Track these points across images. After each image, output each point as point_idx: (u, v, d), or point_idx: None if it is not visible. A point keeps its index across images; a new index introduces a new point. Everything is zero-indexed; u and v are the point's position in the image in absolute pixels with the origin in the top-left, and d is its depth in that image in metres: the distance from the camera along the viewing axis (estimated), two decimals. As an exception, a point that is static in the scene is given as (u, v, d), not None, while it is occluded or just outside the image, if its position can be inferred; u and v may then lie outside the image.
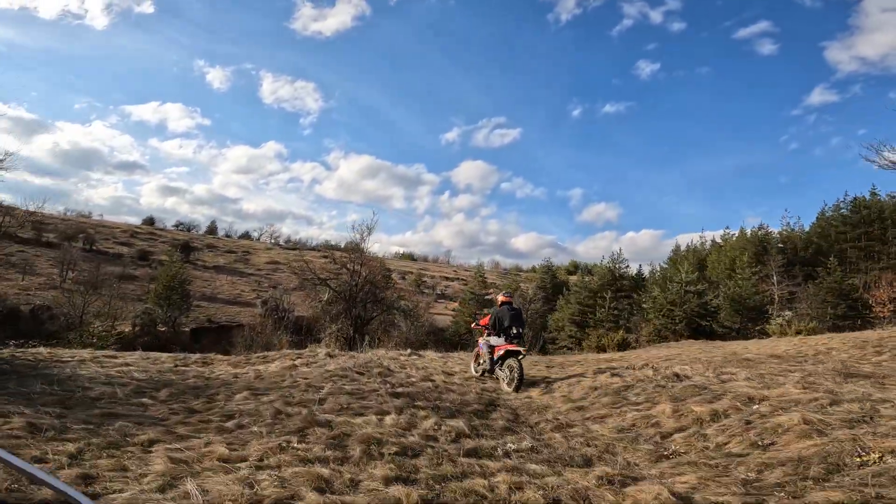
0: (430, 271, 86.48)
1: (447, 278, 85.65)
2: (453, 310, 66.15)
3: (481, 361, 9.29)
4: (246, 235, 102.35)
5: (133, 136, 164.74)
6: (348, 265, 19.78)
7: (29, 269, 57.87)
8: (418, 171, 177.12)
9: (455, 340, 50.69)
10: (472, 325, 10.25)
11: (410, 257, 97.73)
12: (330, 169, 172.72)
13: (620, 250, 52.93)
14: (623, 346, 23.39)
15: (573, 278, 73.09)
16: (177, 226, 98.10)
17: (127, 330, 43.09)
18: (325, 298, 19.78)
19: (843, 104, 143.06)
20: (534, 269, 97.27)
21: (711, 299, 25.99)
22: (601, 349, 24.67)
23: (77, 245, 69.97)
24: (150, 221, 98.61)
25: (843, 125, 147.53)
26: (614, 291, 50.78)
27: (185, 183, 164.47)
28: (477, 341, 10.00)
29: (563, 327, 48.92)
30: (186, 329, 46.03)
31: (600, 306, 33.54)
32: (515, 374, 8.06)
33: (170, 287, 45.41)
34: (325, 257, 20.75)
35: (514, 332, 8.57)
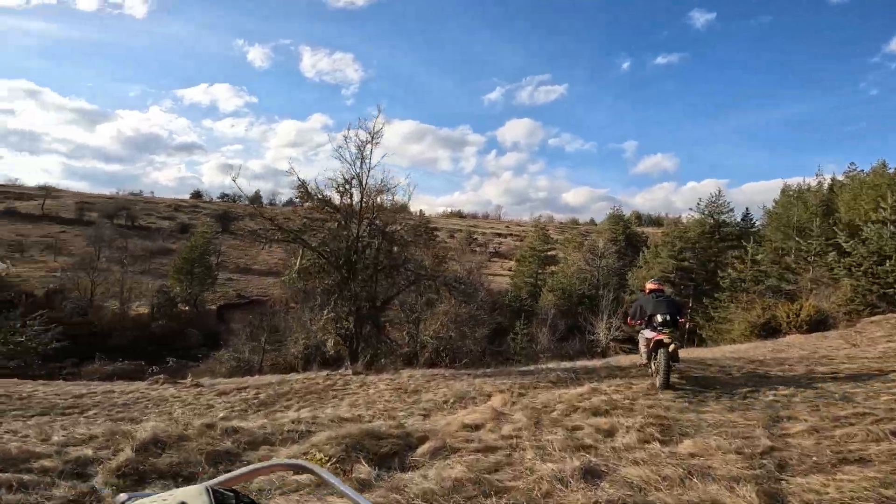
0: (480, 228, 77.16)
1: (499, 234, 76.10)
2: (510, 269, 57.01)
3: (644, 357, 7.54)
4: (290, 202, 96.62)
5: (188, 119, 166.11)
6: (336, 201, 11.06)
7: (65, 250, 53.83)
8: (463, 133, 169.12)
9: (516, 307, 41.81)
10: (628, 321, 7.69)
11: (459, 215, 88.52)
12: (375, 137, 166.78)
13: (720, 191, 41.22)
14: (815, 325, 13.42)
15: (651, 230, 61.47)
16: (221, 197, 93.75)
17: (145, 311, 37.42)
18: (296, 265, 11.33)
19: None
20: (593, 222, 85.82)
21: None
22: (767, 329, 14.78)
23: (119, 222, 66.25)
24: (196, 195, 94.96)
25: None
26: (717, 241, 39.67)
27: (240, 159, 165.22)
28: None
29: (650, 286, 38.60)
30: (213, 307, 39.75)
31: (739, 259, 23.07)
32: (661, 368, 6.59)
33: (190, 260, 38.94)
34: (302, 197, 11.65)
35: (660, 320, 6.98)
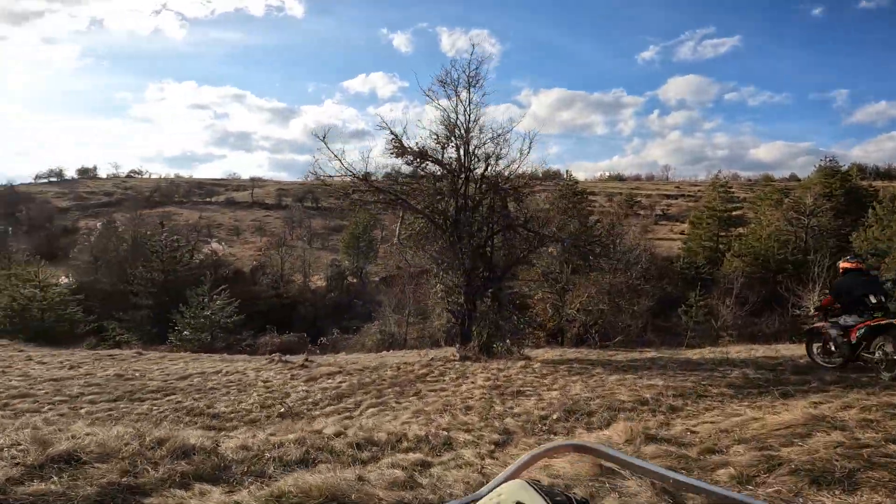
0: (644, 190, 68.65)
1: (668, 196, 66.72)
2: (682, 233, 49.24)
3: (832, 348, 6.56)
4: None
5: (355, 108, 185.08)
6: (433, 153, 9.22)
7: (268, 231, 63.84)
8: (617, 96, 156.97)
9: (690, 275, 35.64)
10: (813, 314, 7.39)
11: (619, 178, 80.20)
12: (523, 107, 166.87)
13: None
14: None
15: (881, 184, 46.57)
16: (385, 176, 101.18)
17: (322, 284, 41.86)
18: (398, 232, 10.10)
19: None
20: (795, 178, 69.02)
21: None
22: None
23: (307, 204, 76.22)
24: (365, 176, 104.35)
25: None
26: None
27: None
28: (819, 331, 6.97)
29: (890, 251, 28.99)
30: (376, 279, 42.60)
31: None
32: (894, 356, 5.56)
33: (356, 235, 42.22)
34: (397, 152, 9.93)
35: (873, 301, 5.92)
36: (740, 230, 40.52)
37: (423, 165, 9.86)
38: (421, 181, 9.98)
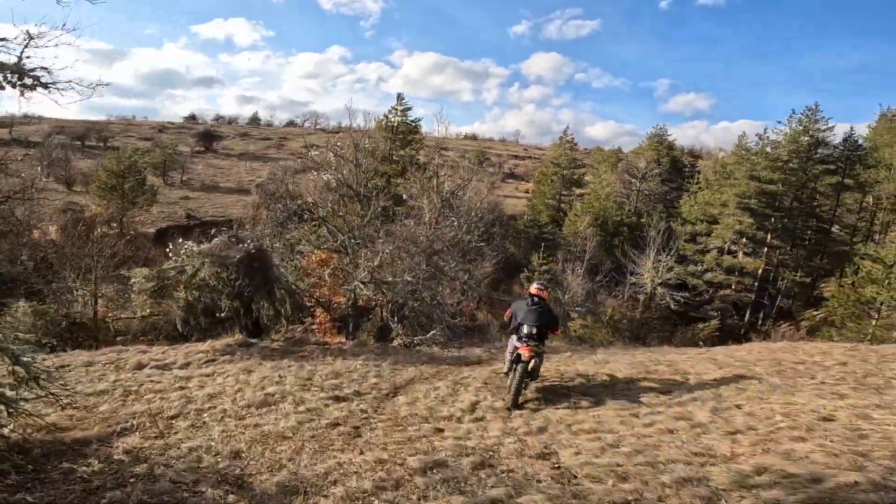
0: (495, 150, 65.16)
1: (516, 157, 64.17)
2: (527, 191, 45.94)
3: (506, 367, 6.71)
4: (290, 123, 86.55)
5: (205, 54, 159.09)
6: None
7: (14, 174, 44.73)
8: (486, 66, 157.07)
9: (533, 235, 31.50)
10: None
11: (473, 137, 76.07)
12: (395, 67, 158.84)
13: (817, 105, 28.83)
14: None
15: (704, 162, 48.40)
16: (216, 119, 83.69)
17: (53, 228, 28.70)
18: None
19: None
20: (620, 150, 71.98)
21: None
22: None
23: (90, 143, 57.36)
24: (192, 118, 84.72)
25: None
26: (812, 164, 27.86)
27: (258, 92, 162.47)
28: None
29: (718, 218, 27.42)
30: (151, 230, 30.42)
31: None
32: (513, 385, 5.87)
33: (116, 173, 29.36)
34: None
35: (525, 331, 6.03)
36: (582, 191, 37.93)
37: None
38: None
